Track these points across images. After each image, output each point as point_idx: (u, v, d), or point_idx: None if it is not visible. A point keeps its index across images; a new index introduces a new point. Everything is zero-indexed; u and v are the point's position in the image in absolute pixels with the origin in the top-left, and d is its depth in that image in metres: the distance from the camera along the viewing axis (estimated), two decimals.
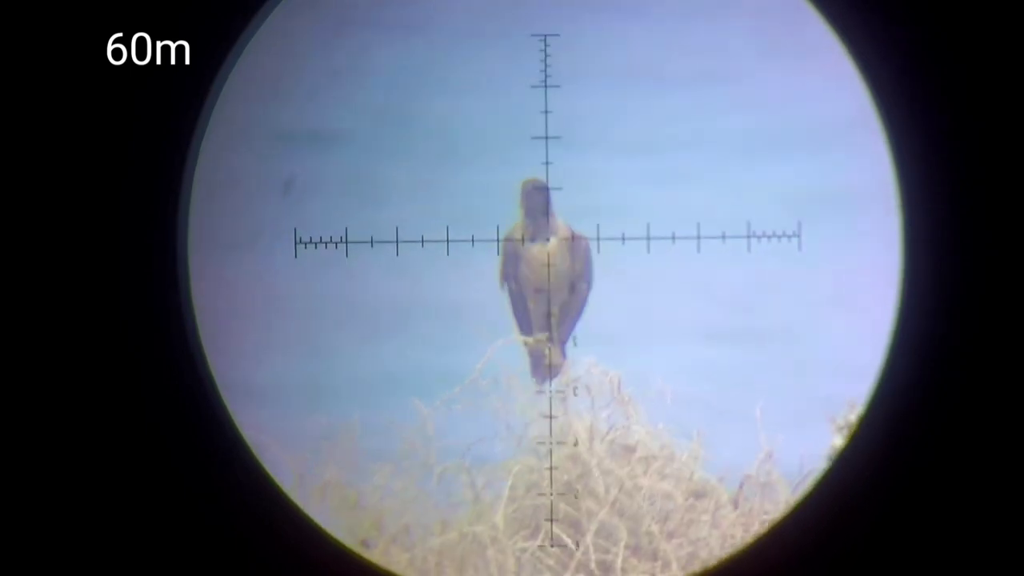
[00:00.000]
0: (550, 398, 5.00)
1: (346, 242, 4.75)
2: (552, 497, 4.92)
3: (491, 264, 4.98)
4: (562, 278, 5.05)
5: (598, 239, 5.05)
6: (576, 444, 4.96)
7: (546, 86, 4.77)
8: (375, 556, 4.88)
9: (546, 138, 4.85)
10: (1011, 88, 3.97)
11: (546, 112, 4.80)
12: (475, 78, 4.98)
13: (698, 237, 4.76)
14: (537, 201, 5.00)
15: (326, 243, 4.74)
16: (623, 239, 4.90)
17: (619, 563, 4.89)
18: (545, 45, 4.76)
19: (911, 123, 3.99)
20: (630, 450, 5.00)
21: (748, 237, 4.76)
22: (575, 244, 5.05)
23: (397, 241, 4.76)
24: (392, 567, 4.80)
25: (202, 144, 4.12)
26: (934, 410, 4.01)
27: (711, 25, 4.90)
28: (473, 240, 4.81)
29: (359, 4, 4.91)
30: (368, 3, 4.93)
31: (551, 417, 4.97)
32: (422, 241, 4.78)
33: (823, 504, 4.08)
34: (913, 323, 4.01)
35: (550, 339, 5.09)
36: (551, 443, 4.95)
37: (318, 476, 4.94)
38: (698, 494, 5.00)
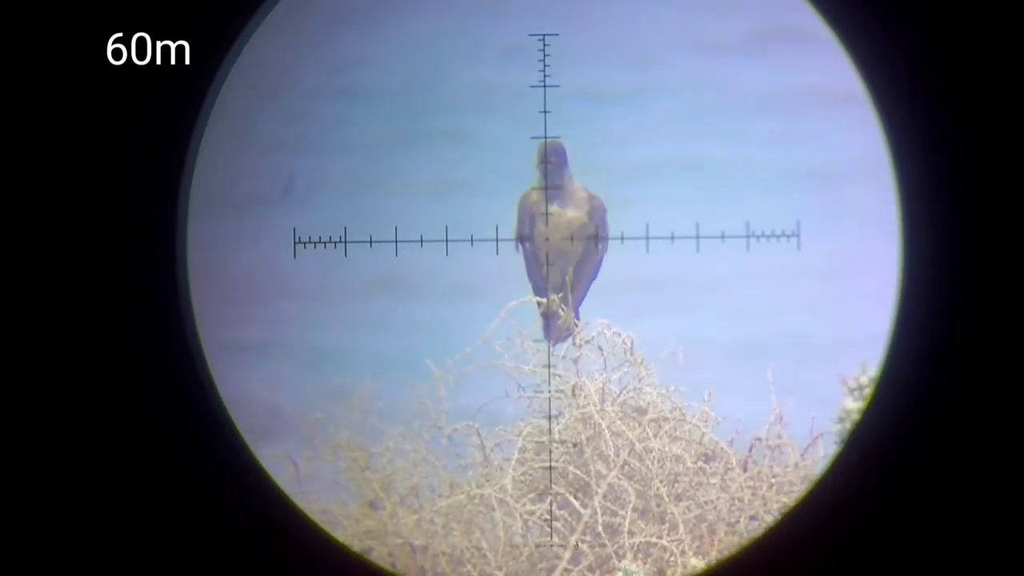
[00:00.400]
0: (562, 359, 5.01)
1: (345, 242, 4.75)
2: (560, 460, 4.92)
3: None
4: (578, 240, 5.06)
5: (596, 238, 5.06)
6: (573, 393, 4.95)
7: (545, 86, 4.78)
8: (383, 517, 4.89)
9: (545, 138, 4.86)
10: (1011, 88, 3.98)
11: (545, 112, 4.80)
12: (474, 78, 4.99)
13: (697, 237, 4.76)
14: (554, 163, 5.01)
15: (325, 243, 4.75)
16: (622, 239, 4.91)
17: (626, 525, 4.88)
18: (544, 45, 4.76)
19: (911, 122, 4.00)
20: (641, 412, 4.99)
21: (747, 237, 4.77)
22: (591, 205, 5.06)
23: (396, 241, 4.77)
24: (400, 528, 4.82)
25: (202, 144, 4.12)
26: (934, 409, 4.01)
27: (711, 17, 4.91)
28: (472, 240, 4.81)
29: (357, 5, 4.91)
30: (366, 5, 4.93)
31: (556, 375, 4.97)
32: (421, 241, 4.78)
33: (822, 505, 4.08)
34: (913, 322, 4.02)
35: (564, 300, 5.09)
36: (562, 405, 4.95)
37: (330, 438, 4.94)
38: (708, 457, 4.98)
